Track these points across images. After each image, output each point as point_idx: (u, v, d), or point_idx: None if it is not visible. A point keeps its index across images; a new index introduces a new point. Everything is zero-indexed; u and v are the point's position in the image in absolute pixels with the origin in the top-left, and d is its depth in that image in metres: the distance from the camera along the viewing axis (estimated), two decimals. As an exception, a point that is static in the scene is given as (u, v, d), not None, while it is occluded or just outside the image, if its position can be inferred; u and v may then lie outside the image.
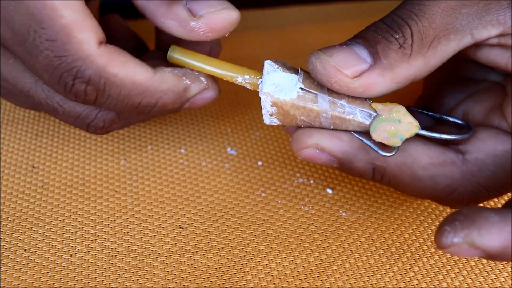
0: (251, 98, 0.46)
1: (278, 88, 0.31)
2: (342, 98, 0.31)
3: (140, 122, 0.41)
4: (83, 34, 0.30)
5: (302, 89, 0.31)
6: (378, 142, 0.31)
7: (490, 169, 0.32)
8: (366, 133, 0.31)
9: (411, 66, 0.30)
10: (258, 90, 0.32)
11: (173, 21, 0.32)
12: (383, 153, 0.31)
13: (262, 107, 0.32)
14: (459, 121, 0.34)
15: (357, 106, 0.31)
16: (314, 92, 0.31)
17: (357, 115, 0.31)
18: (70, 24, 0.30)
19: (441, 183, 0.32)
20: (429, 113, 0.35)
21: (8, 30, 0.30)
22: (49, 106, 0.34)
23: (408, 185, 0.32)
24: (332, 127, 0.31)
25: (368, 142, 0.31)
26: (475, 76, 0.37)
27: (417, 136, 0.31)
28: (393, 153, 0.31)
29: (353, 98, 0.31)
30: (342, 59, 0.30)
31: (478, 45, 0.31)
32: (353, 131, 0.31)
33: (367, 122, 0.31)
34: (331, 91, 0.31)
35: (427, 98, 0.38)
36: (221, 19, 0.32)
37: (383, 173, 0.32)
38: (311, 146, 0.32)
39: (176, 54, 0.33)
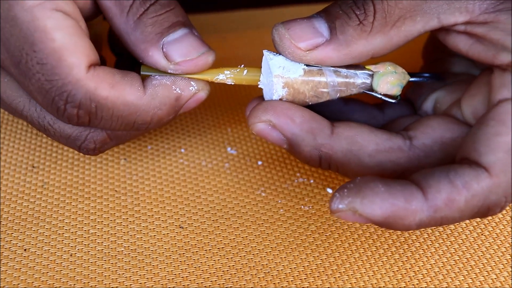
0: (251, 98, 0.46)
1: (285, 69, 0.32)
2: (341, 68, 0.33)
3: (133, 138, 0.40)
4: (73, 57, 0.30)
5: (306, 65, 0.32)
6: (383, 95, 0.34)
7: (436, 156, 0.33)
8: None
9: (368, 43, 0.31)
10: (258, 83, 0.34)
11: (149, 63, 0.32)
12: (392, 100, 0.34)
13: (274, 91, 0.32)
14: (428, 74, 0.36)
15: (355, 70, 0.33)
16: (318, 66, 0.32)
17: (359, 76, 0.33)
18: (61, 48, 0.30)
19: (387, 169, 0.32)
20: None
21: (5, 51, 0.31)
22: (40, 126, 0.34)
23: (356, 173, 0.33)
24: (338, 95, 0.33)
25: (377, 95, 0.33)
26: (457, 69, 0.37)
27: (366, 116, 0.34)
28: (398, 99, 0.34)
29: (348, 66, 0.33)
30: (298, 32, 0.31)
31: (447, 30, 0.32)
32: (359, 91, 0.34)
33: (368, 81, 0.33)
34: None
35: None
36: (198, 66, 0.32)
37: (329, 161, 0.33)
38: (264, 122, 0.32)
39: (148, 72, 0.33)
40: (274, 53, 0.33)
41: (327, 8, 0.32)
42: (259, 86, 0.34)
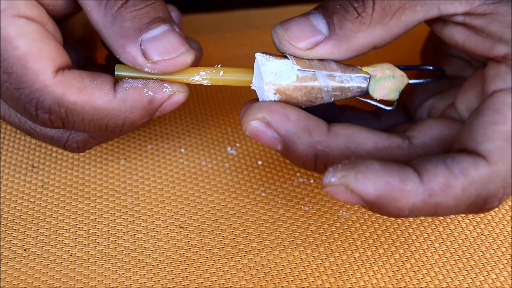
0: (251, 97, 0.46)
1: (277, 75, 0.31)
2: (336, 70, 0.32)
3: (117, 137, 0.40)
4: (39, 64, 0.30)
5: (299, 70, 0.31)
6: (379, 100, 0.33)
7: (437, 154, 0.32)
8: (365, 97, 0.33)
9: (368, 35, 0.31)
10: (251, 85, 0.33)
11: (126, 60, 0.31)
12: (388, 108, 0.33)
13: (265, 97, 0.32)
14: (430, 67, 0.35)
15: (351, 73, 0.32)
16: (311, 70, 0.32)
17: (354, 80, 0.32)
18: (25, 55, 0.30)
19: None
20: (401, 66, 0.35)
21: None
22: (24, 129, 0.34)
23: None
24: (332, 99, 0.32)
25: (373, 102, 0.33)
26: (452, 70, 0.37)
27: (362, 123, 0.33)
28: (395, 105, 0.33)
29: (344, 67, 0.32)
30: (296, 32, 0.31)
31: (444, 21, 0.31)
32: (354, 96, 0.33)
33: (364, 85, 0.32)
34: (324, 65, 0.32)
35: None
36: (177, 66, 0.31)
37: (326, 161, 0.31)
38: (258, 119, 0.31)
39: (123, 72, 0.32)
40: (268, 57, 0.32)
41: (324, 3, 0.31)
42: (251, 88, 0.33)
